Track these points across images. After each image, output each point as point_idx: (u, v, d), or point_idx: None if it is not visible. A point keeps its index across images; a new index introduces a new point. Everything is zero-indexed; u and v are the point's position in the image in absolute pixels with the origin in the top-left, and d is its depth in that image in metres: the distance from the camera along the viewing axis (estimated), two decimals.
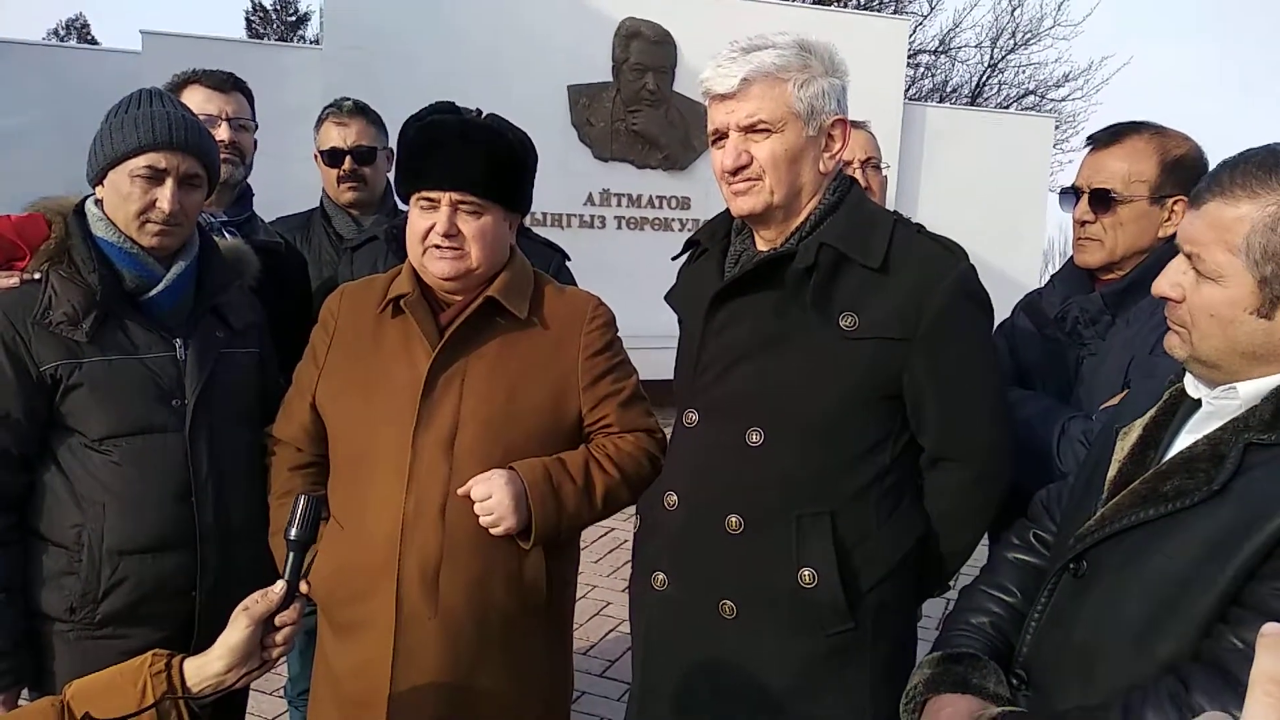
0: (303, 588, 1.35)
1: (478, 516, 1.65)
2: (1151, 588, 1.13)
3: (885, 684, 1.59)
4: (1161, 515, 1.14)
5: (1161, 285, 1.18)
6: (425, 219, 1.68)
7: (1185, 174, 1.77)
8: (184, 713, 1.22)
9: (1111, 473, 1.30)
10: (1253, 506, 1.05)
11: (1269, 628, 0.53)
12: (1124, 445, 1.31)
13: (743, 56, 1.56)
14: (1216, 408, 1.18)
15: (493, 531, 1.65)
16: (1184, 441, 1.21)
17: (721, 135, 1.61)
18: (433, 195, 1.67)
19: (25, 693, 1.76)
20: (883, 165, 2.76)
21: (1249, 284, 1.09)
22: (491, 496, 1.63)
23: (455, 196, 1.66)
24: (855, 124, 2.64)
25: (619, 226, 8.51)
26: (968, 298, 1.58)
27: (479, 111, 1.75)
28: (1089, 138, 1.93)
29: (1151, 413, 1.30)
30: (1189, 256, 1.14)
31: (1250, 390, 1.13)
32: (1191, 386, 1.23)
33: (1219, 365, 1.15)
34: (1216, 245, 1.10)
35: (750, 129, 1.57)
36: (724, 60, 1.57)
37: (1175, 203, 1.78)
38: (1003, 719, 1.24)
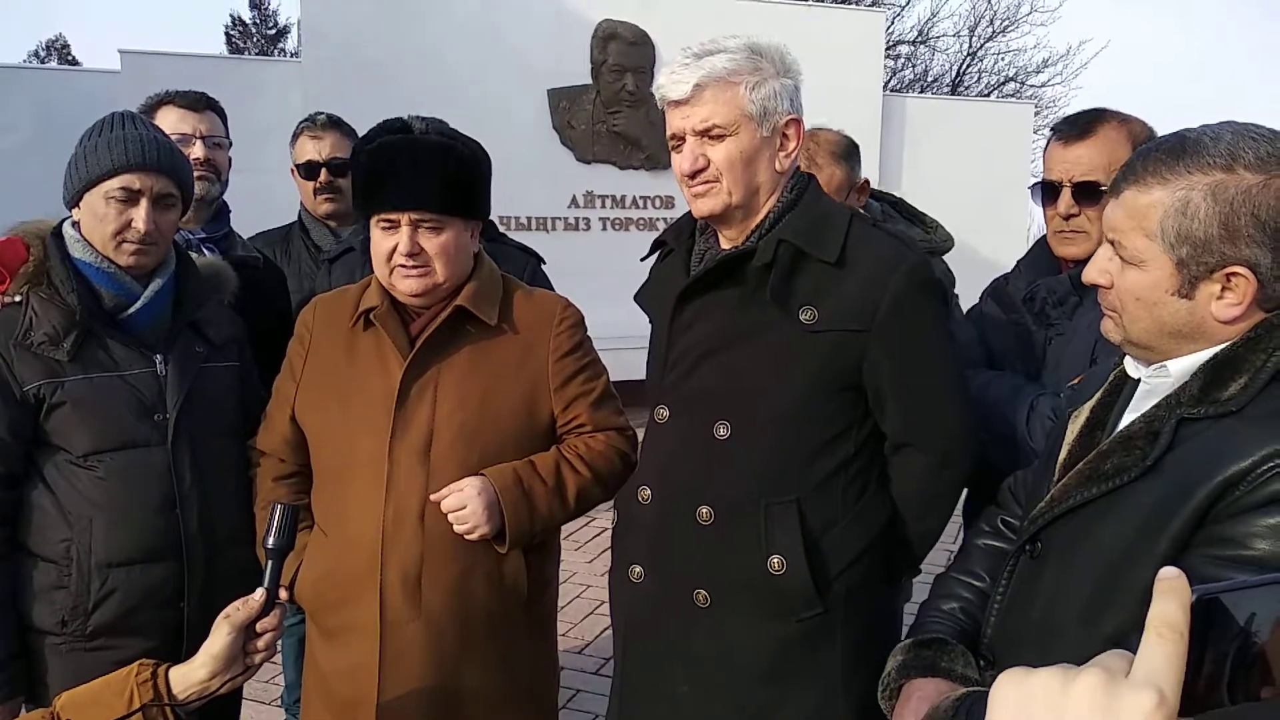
0: (282, 595, 1.40)
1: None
2: (1095, 564, 1.16)
3: (857, 665, 1.64)
4: (1103, 494, 1.17)
5: (1091, 273, 1.22)
6: (388, 239, 1.71)
7: None
8: (170, 719, 1.27)
9: (1062, 455, 1.33)
10: (1183, 478, 1.08)
11: (1165, 571, 0.53)
12: (1074, 428, 1.34)
13: (695, 62, 1.60)
14: (1152, 386, 1.22)
15: (469, 538, 1.69)
16: (1129, 420, 1.25)
17: (679, 140, 1.65)
18: (391, 216, 1.70)
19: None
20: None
21: (1168, 267, 1.12)
22: (465, 506, 1.67)
23: (414, 216, 1.69)
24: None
25: (603, 228, 8.53)
26: (921, 287, 1.63)
27: (426, 124, 1.77)
28: (1053, 129, 1.95)
29: (1099, 394, 1.34)
30: (1112, 243, 1.18)
31: (1180, 368, 1.17)
32: (1131, 367, 1.27)
33: (1150, 346, 1.19)
34: (1135, 231, 1.14)
35: (705, 133, 1.61)
36: (677, 67, 1.62)
37: None
38: (966, 699, 1.28)
